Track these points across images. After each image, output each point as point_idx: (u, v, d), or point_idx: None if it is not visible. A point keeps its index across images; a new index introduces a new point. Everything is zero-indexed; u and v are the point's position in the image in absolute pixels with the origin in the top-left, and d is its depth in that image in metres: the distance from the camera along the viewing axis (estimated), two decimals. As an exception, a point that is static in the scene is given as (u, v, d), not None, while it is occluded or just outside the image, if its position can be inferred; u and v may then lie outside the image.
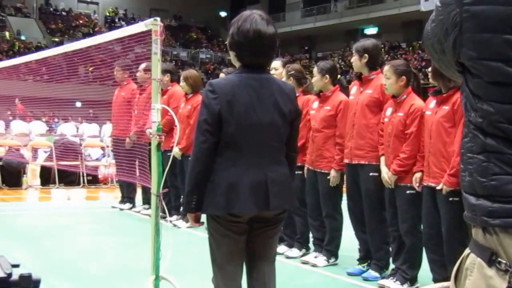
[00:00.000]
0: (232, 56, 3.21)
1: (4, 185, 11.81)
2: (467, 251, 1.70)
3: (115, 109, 9.23)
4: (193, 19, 46.61)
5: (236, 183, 3.03)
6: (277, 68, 6.51)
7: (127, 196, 9.44)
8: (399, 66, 5.30)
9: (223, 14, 48.08)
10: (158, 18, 4.61)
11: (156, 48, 4.52)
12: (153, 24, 4.55)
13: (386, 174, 5.24)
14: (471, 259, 1.66)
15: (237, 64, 3.20)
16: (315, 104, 6.13)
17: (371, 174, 5.48)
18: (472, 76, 1.63)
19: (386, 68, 5.32)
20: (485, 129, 1.60)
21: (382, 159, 5.36)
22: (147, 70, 8.53)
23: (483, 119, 1.61)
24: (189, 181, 3.10)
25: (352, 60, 5.77)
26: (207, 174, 3.06)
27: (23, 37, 38.31)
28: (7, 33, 37.95)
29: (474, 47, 1.61)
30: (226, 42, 3.25)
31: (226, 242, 3.15)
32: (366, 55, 5.58)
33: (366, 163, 5.50)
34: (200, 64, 43.10)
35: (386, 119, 5.34)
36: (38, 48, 31.66)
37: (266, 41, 3.09)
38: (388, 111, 5.33)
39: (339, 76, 6.44)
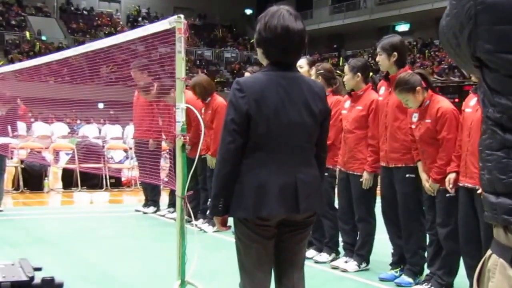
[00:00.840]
0: (259, 53, 3.20)
1: (26, 188, 11.96)
2: (489, 252, 1.69)
3: (137, 111, 9.28)
4: (218, 18, 46.76)
5: (265, 185, 3.01)
6: (302, 66, 6.45)
7: (151, 199, 9.49)
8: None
9: (249, 12, 48.16)
10: (182, 16, 4.64)
11: (180, 46, 4.54)
12: (177, 22, 4.58)
13: (427, 182, 5.18)
14: (493, 260, 1.65)
15: (264, 62, 3.19)
16: (347, 104, 6.09)
17: (407, 175, 5.44)
18: (490, 70, 1.62)
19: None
20: (504, 124, 1.59)
21: (420, 165, 5.31)
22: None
23: (501, 114, 1.59)
24: (216, 184, 3.08)
25: (378, 59, 5.67)
26: (234, 176, 3.04)
27: (44, 38, 38.75)
28: (27, 33, 38.41)
29: (490, 40, 1.60)
30: (253, 40, 3.24)
31: (255, 247, 3.13)
32: (395, 53, 5.52)
33: (403, 165, 5.46)
34: (225, 63, 43.22)
35: (413, 126, 5.29)
36: (59, 49, 32.01)
37: (294, 38, 3.07)
38: (414, 117, 5.26)
39: (371, 74, 6.37)
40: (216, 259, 6.34)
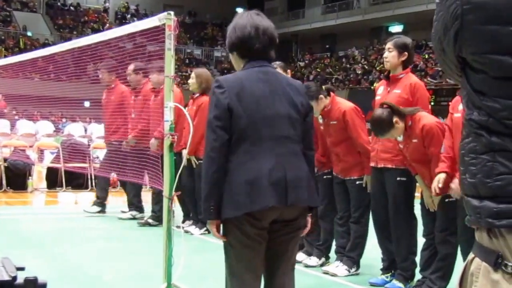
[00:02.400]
0: (234, 59, 3.27)
1: (9, 187, 11.89)
2: (471, 255, 1.70)
3: (108, 114, 9.23)
4: (208, 16, 46.74)
5: (255, 179, 2.99)
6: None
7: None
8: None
9: (240, 10, 48.08)
10: (172, 12, 4.64)
11: (170, 43, 4.54)
12: (166, 19, 4.58)
13: (430, 199, 5.17)
14: (476, 264, 1.66)
15: (240, 65, 3.25)
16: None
17: (398, 178, 5.44)
18: (475, 71, 1.63)
19: None
20: (490, 127, 1.60)
21: (418, 179, 5.30)
22: (138, 70, 8.53)
23: (488, 117, 1.60)
24: (205, 184, 3.05)
25: (387, 56, 5.61)
26: (223, 174, 3.03)
27: (29, 33, 38.60)
28: (13, 29, 38.25)
29: (478, 41, 1.60)
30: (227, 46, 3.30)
31: (246, 253, 3.11)
32: (406, 52, 5.53)
33: (393, 167, 5.46)
34: (215, 62, 43.19)
35: (401, 146, 5.28)
36: (45, 45, 31.89)
37: (265, 33, 3.16)
38: (400, 137, 5.25)
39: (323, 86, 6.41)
40: (202, 262, 6.33)
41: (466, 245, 4.86)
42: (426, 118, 5.13)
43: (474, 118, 1.63)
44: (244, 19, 3.19)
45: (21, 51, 30.10)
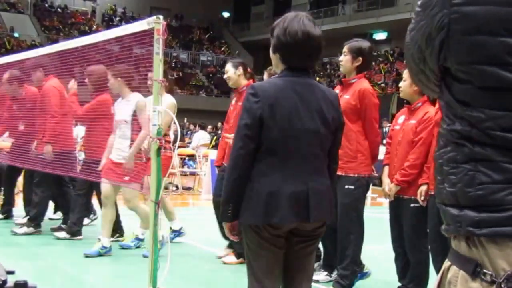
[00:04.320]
0: (275, 59, 3.21)
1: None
2: (447, 263, 1.70)
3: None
4: (194, 19, 46.67)
5: (277, 192, 3.00)
6: (227, 70, 6.64)
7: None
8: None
9: (226, 14, 48.18)
10: (161, 17, 4.63)
11: (158, 48, 4.53)
12: (155, 23, 4.57)
13: (387, 186, 5.21)
14: (453, 272, 1.65)
15: (279, 68, 3.20)
16: None
17: (346, 186, 5.36)
18: (459, 81, 1.61)
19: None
20: (473, 137, 1.59)
21: (386, 169, 5.34)
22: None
23: (471, 127, 1.59)
24: (226, 189, 3.09)
25: (341, 59, 5.55)
26: (245, 181, 3.04)
27: (16, 35, 38.36)
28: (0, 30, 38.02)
29: (465, 51, 1.59)
30: (271, 45, 3.20)
31: (265, 255, 3.12)
32: (360, 58, 5.44)
33: (343, 174, 5.33)
34: (201, 66, 43.13)
35: (397, 127, 5.33)
36: (32, 46, 31.70)
37: (314, 43, 3.12)
38: (401, 118, 5.31)
39: None
40: (188, 267, 6.33)
41: (434, 253, 4.92)
42: (433, 109, 5.09)
43: (455, 129, 1.62)
44: (296, 24, 3.11)
45: (8, 52, 29.92)
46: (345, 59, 5.52)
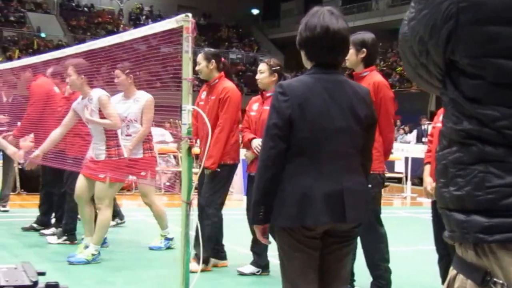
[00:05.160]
0: (303, 57, 3.21)
1: (22, 190, 11.97)
2: (453, 272, 1.63)
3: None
4: (223, 17, 46.79)
5: (310, 192, 2.98)
6: (200, 62, 6.47)
7: None
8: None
9: (255, 12, 48.21)
10: (190, 14, 4.64)
11: (187, 46, 4.55)
12: (184, 21, 4.58)
13: (429, 185, 5.16)
14: (460, 282, 1.59)
15: (308, 65, 3.19)
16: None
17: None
18: (469, 77, 1.52)
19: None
20: (484, 137, 1.50)
21: (427, 168, 5.29)
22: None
23: (481, 127, 1.50)
24: (257, 191, 3.07)
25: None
26: (276, 182, 3.02)
27: (43, 35, 38.82)
28: (27, 30, 38.50)
29: (476, 43, 1.49)
30: (297, 42, 3.19)
31: (298, 257, 3.09)
32: (364, 49, 5.40)
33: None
34: (230, 64, 43.21)
35: (439, 124, 5.27)
36: (59, 46, 32.05)
37: (335, 36, 3.08)
38: (441, 116, 5.25)
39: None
40: (219, 268, 6.36)
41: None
42: None
43: (463, 128, 1.53)
44: (315, 18, 3.09)
45: (35, 52, 30.29)
46: (349, 53, 5.49)
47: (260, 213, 3.06)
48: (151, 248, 7.28)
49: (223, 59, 6.67)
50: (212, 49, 6.68)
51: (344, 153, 3.08)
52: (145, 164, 6.94)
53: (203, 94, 6.55)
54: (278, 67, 6.22)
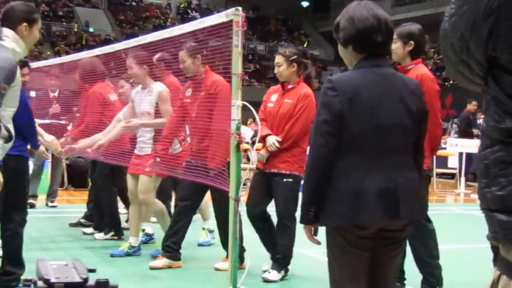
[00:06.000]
0: (347, 53, 3.16)
1: (70, 185, 12.19)
2: (496, 273, 1.61)
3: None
4: (272, 10, 46.77)
5: (362, 189, 2.95)
6: (184, 60, 6.25)
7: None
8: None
9: (305, 4, 48.06)
10: (240, 8, 4.66)
11: (237, 40, 4.58)
12: (234, 15, 4.61)
13: None
14: (504, 283, 1.57)
15: (353, 61, 3.15)
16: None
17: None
18: (510, 74, 1.49)
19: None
20: None
21: None
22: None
23: None
24: (307, 190, 3.04)
25: (393, 47, 5.39)
26: (327, 180, 2.99)
27: (91, 29, 39.40)
28: (75, 25, 39.11)
29: None
30: (340, 39, 3.15)
31: (349, 259, 3.06)
32: (411, 42, 5.34)
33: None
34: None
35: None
36: (107, 41, 32.47)
37: (386, 26, 3.08)
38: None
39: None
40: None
41: None
42: None
43: (506, 127, 1.51)
44: (363, 9, 3.07)
45: (83, 47, 30.78)
46: (395, 46, 5.39)
47: (311, 213, 3.01)
48: (200, 244, 7.34)
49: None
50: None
51: (397, 148, 3.05)
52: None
53: (189, 92, 6.33)
54: (296, 56, 5.97)
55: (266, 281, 5.75)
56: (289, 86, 5.90)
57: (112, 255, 6.70)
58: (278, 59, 5.97)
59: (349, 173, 2.98)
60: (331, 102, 2.97)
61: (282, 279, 5.88)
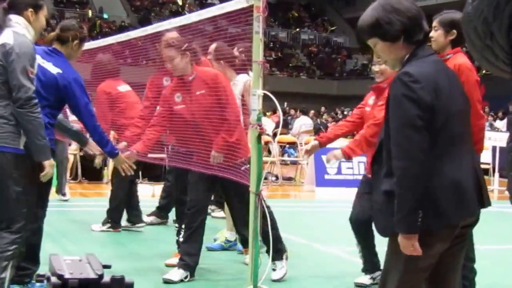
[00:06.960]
0: (395, 48, 3.10)
1: (84, 178, 12.26)
2: None
3: None
4: (294, -5, 46.64)
5: (459, 184, 2.93)
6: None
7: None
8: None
9: (328, -11, 47.82)
10: (261, -7, 4.64)
11: (258, 26, 4.55)
12: (255, 0, 4.58)
13: None
14: None
15: (400, 55, 3.10)
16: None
17: None
18: None
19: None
20: None
21: None
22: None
23: None
24: (409, 193, 2.86)
25: (433, 35, 5.27)
26: (426, 179, 2.90)
27: (105, 16, 39.49)
28: (89, 11, 39.23)
29: None
30: (386, 34, 3.08)
31: (429, 262, 3.00)
32: (454, 30, 5.19)
33: None
34: (301, 46, 43.04)
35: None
36: (122, 28, 32.56)
37: (424, 14, 3.13)
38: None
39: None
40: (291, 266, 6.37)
41: None
42: None
43: None
44: (403, 1, 3.08)
45: (98, 34, 30.89)
46: (436, 34, 5.28)
47: (419, 220, 2.86)
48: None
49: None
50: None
51: (468, 135, 3.11)
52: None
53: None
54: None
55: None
56: (191, 78, 5.78)
57: (208, 249, 6.66)
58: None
59: (441, 168, 2.93)
60: (420, 95, 2.91)
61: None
